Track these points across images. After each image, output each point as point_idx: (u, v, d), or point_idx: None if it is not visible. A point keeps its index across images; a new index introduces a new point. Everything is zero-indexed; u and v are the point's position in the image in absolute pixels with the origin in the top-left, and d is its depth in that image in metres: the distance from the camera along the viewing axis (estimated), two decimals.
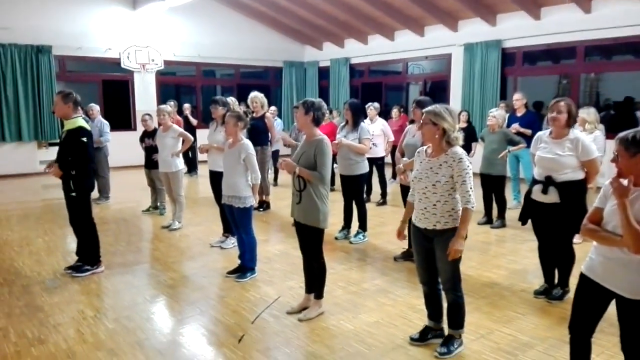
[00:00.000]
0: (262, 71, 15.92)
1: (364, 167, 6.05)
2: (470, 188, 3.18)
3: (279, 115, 12.74)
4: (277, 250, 5.82)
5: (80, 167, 4.73)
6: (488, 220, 6.93)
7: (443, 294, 3.48)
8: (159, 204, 7.77)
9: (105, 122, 8.68)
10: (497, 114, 6.75)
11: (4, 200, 9.30)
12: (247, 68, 15.37)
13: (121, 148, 10.62)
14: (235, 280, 4.81)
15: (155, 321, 4.03)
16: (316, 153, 3.76)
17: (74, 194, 4.80)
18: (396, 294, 4.48)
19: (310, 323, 3.89)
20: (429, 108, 3.29)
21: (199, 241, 6.23)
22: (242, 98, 9.54)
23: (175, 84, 16.06)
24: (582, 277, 2.66)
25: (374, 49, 13.72)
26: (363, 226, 6.19)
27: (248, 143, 4.85)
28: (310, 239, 3.92)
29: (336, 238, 6.20)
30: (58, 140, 4.81)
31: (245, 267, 4.93)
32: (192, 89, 15.01)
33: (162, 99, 12.93)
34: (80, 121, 4.81)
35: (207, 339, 3.70)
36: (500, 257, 5.63)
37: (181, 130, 6.89)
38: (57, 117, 4.94)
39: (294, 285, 4.69)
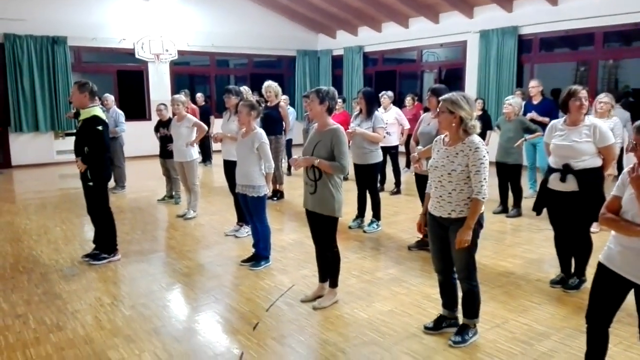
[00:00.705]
0: (275, 60, 15.88)
1: (378, 156, 6.02)
2: (484, 179, 3.13)
3: (292, 104, 12.70)
4: (291, 239, 5.83)
5: (97, 155, 4.77)
6: (504, 210, 6.87)
7: (458, 283, 3.47)
8: (174, 193, 7.83)
9: (120, 112, 8.72)
10: (513, 102, 6.66)
11: (22, 190, 9.45)
12: (261, 57, 15.34)
13: (136, 138, 10.70)
14: (249, 269, 4.84)
15: (171, 308, 4.07)
16: (334, 143, 3.73)
17: (91, 183, 4.84)
18: (410, 283, 4.47)
19: (324, 311, 3.90)
20: (446, 96, 3.24)
21: (214, 230, 6.27)
22: (255, 87, 9.53)
23: (189, 73, 16.11)
24: (600, 266, 2.63)
25: (387, 37, 13.60)
26: (377, 215, 6.17)
27: (261, 132, 4.84)
28: (324, 228, 3.90)
29: (350, 227, 6.20)
30: (74, 131, 4.82)
31: (260, 255, 4.95)
32: (206, 78, 15.03)
33: (176, 89, 12.97)
34: (95, 110, 4.83)
35: (222, 327, 3.73)
36: (515, 246, 5.59)
37: (195, 120, 6.90)
38: (73, 107, 4.97)
39: (307, 273, 4.70)
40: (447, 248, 3.36)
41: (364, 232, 6.07)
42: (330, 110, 3.85)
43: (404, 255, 5.27)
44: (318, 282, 4.17)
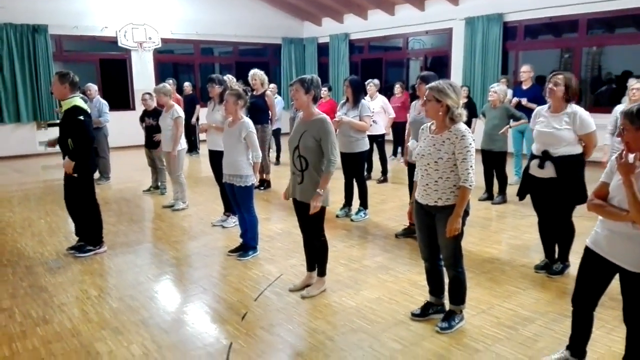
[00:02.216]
0: (260, 48, 15.76)
1: (365, 145, 6.02)
2: (471, 167, 3.15)
3: (279, 93, 12.66)
4: (279, 228, 5.84)
5: (81, 146, 4.68)
6: (489, 197, 6.94)
7: (444, 270, 3.50)
8: (159, 183, 7.77)
9: (104, 102, 8.55)
10: (498, 89, 6.68)
11: (4, 181, 9.30)
12: (246, 45, 15.21)
13: (120, 128, 10.58)
14: (237, 259, 4.84)
15: (158, 300, 4.06)
16: (321, 135, 3.70)
17: (75, 174, 4.77)
18: (397, 271, 4.50)
19: (312, 300, 3.92)
20: (433, 84, 3.24)
21: (201, 220, 6.24)
22: (240, 76, 9.44)
23: (173, 62, 15.92)
24: (587, 250, 2.68)
25: (373, 24, 13.56)
26: (364, 204, 6.20)
27: (248, 121, 4.81)
28: (312, 218, 3.87)
29: (337, 216, 6.21)
30: (57, 121, 4.74)
31: (247, 245, 4.95)
32: (191, 67, 14.88)
33: (160, 77, 12.83)
34: (76, 100, 4.73)
35: (211, 317, 3.73)
36: (500, 232, 5.65)
37: (178, 114, 6.60)
38: (55, 98, 4.91)
39: (295, 263, 4.72)
40: (434, 235, 3.38)
41: (352, 220, 6.09)
42: (315, 99, 3.82)
43: (391, 243, 5.30)
44: (306, 271, 4.19)
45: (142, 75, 13.00)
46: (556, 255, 4.38)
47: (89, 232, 5.05)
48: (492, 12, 10.84)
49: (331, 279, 4.23)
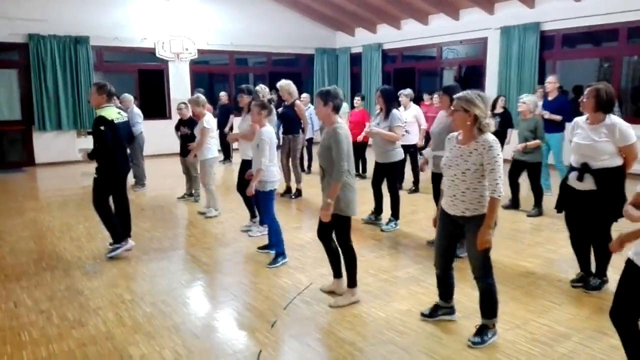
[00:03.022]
0: (293, 59, 15.90)
1: (398, 155, 5.98)
2: (500, 177, 3.12)
3: (312, 102, 12.71)
4: (309, 237, 5.84)
5: (99, 152, 5.00)
6: (514, 205, 6.85)
7: (454, 276, 3.65)
8: (193, 191, 7.90)
9: (138, 112, 8.80)
10: (527, 100, 6.51)
11: (45, 187, 9.64)
12: (279, 56, 15.37)
13: (156, 136, 10.82)
14: (267, 267, 4.87)
15: (190, 305, 4.12)
16: (332, 143, 3.75)
17: (96, 175, 5.11)
18: (429, 283, 4.44)
19: (341, 310, 3.91)
20: (461, 94, 3.23)
21: (233, 228, 6.31)
22: (274, 86, 9.57)
23: (209, 72, 16.22)
24: (629, 262, 2.59)
25: (407, 34, 13.52)
26: (395, 214, 6.15)
27: (265, 130, 4.95)
28: (336, 227, 3.91)
29: (363, 220, 6.25)
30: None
31: (276, 252, 5.01)
32: (225, 77, 15.13)
33: (196, 87, 13.08)
34: (104, 111, 5.01)
35: (241, 324, 3.76)
36: (536, 246, 5.52)
37: (203, 125, 6.72)
38: (91, 107, 5.41)
39: (325, 272, 4.70)
40: (453, 246, 3.51)
41: (382, 230, 6.05)
42: (337, 109, 3.87)
43: (422, 254, 5.24)
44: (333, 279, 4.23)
45: (179, 85, 13.30)
46: (593, 270, 4.25)
47: (111, 229, 5.24)
48: (528, 22, 10.66)
49: (360, 289, 4.19)
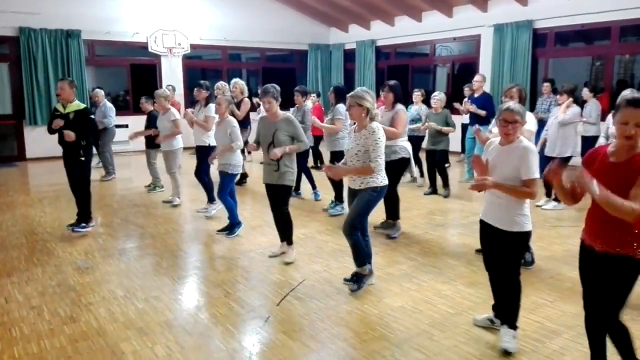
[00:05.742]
0: (287, 54, 15.86)
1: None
2: (379, 156, 3.90)
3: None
4: (302, 234, 5.84)
5: (90, 136, 5.86)
6: (433, 191, 7.88)
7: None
8: (154, 180, 8.34)
9: (110, 105, 9.58)
10: (439, 97, 7.82)
11: (36, 182, 9.57)
12: (273, 51, 15.33)
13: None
14: (226, 237, 5.63)
15: (183, 302, 4.11)
16: (291, 127, 4.68)
17: (83, 158, 5.76)
18: (421, 279, 4.46)
19: (334, 307, 3.92)
20: (353, 93, 3.97)
21: (225, 224, 6.27)
22: (267, 81, 9.55)
23: (202, 67, 16.13)
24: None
25: (400, 31, 13.53)
26: (339, 197, 6.71)
27: (231, 119, 5.78)
28: (282, 196, 4.81)
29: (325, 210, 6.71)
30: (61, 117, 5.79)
31: (232, 223, 5.76)
32: (219, 72, 15.05)
33: (189, 82, 13.03)
34: (78, 103, 5.81)
35: (234, 320, 3.75)
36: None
37: (176, 117, 7.17)
38: (59, 100, 5.83)
39: (318, 269, 4.72)
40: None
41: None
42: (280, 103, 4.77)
43: (415, 251, 5.26)
44: (280, 242, 5.05)
45: (171, 79, 13.19)
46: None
47: (84, 210, 5.91)
48: (521, 19, 10.70)
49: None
